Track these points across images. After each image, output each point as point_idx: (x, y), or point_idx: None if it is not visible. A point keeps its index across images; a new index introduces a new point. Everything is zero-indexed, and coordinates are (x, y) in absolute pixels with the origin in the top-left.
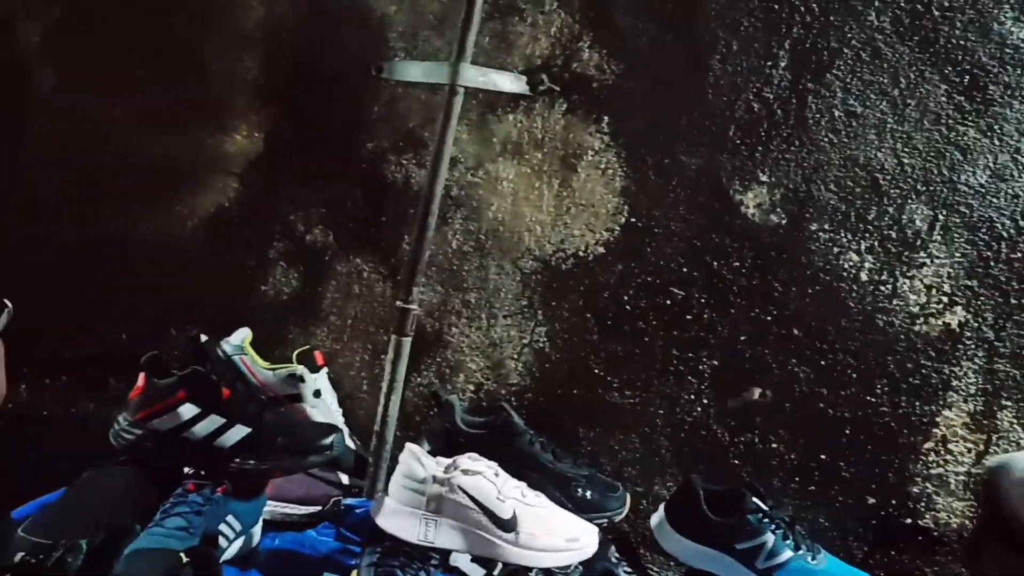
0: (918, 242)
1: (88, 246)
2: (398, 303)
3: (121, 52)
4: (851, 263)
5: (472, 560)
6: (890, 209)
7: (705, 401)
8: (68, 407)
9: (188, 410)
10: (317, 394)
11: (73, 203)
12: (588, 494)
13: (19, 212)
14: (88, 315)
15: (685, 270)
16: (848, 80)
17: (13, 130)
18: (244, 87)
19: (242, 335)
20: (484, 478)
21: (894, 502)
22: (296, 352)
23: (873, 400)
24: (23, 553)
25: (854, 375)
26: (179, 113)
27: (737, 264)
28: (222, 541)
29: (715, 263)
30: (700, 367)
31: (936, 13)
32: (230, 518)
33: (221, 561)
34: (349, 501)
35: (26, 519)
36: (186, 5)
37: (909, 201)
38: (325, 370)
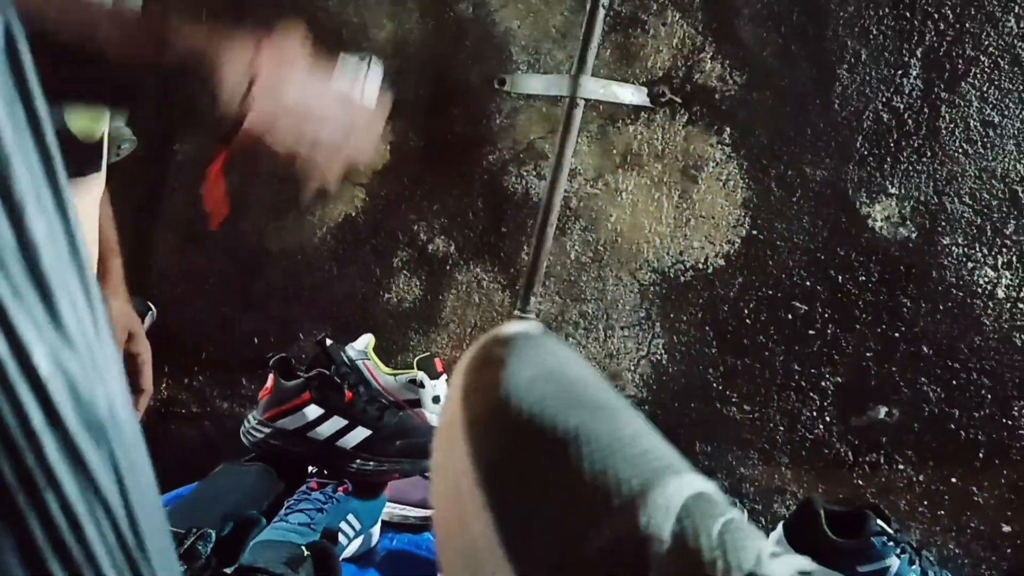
0: None
1: (226, 254)
2: (516, 312)
3: None
4: (986, 279)
5: None
6: None
7: (828, 418)
8: (205, 406)
9: (313, 411)
10: (436, 400)
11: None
12: None
13: (166, 223)
14: (225, 319)
15: (808, 284)
16: (985, 89)
17: (162, 146)
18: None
19: (366, 341)
20: None
21: None
22: (417, 358)
23: (1010, 423)
24: None
25: (989, 396)
26: None
27: (863, 278)
28: (342, 538)
29: (840, 277)
30: (823, 383)
31: None
32: (350, 517)
33: (340, 558)
34: None
35: None
36: (322, 25)
37: None
38: (445, 377)
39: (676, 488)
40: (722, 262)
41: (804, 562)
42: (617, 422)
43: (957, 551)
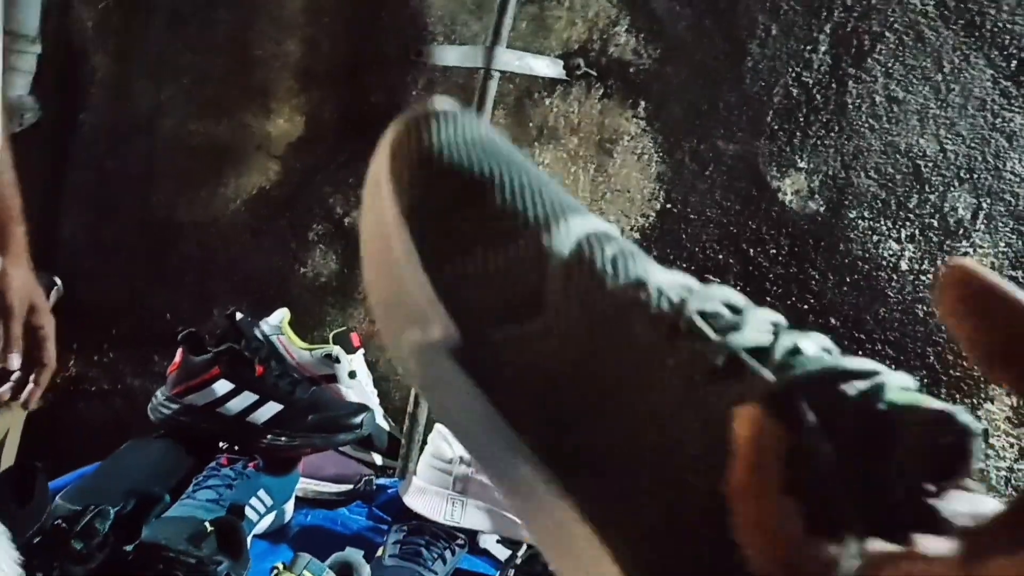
0: (961, 231)
1: (135, 227)
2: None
3: (169, 37)
4: (891, 252)
5: (498, 541)
6: (932, 197)
7: None
8: (116, 383)
9: (222, 386)
10: (352, 375)
11: (121, 185)
12: None
13: (73, 195)
14: (136, 294)
15: (720, 257)
16: (890, 65)
17: (65, 112)
18: (286, 71)
19: (280, 315)
20: None
21: None
22: (333, 333)
23: None
24: (58, 520)
25: (892, 366)
26: (224, 96)
27: (774, 252)
28: (250, 513)
29: (751, 251)
30: None
31: None
32: (261, 493)
33: (252, 535)
34: (381, 481)
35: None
36: None
37: (952, 189)
38: (361, 351)
39: (580, 223)
40: (637, 235)
41: (689, 280)
42: (533, 175)
43: None
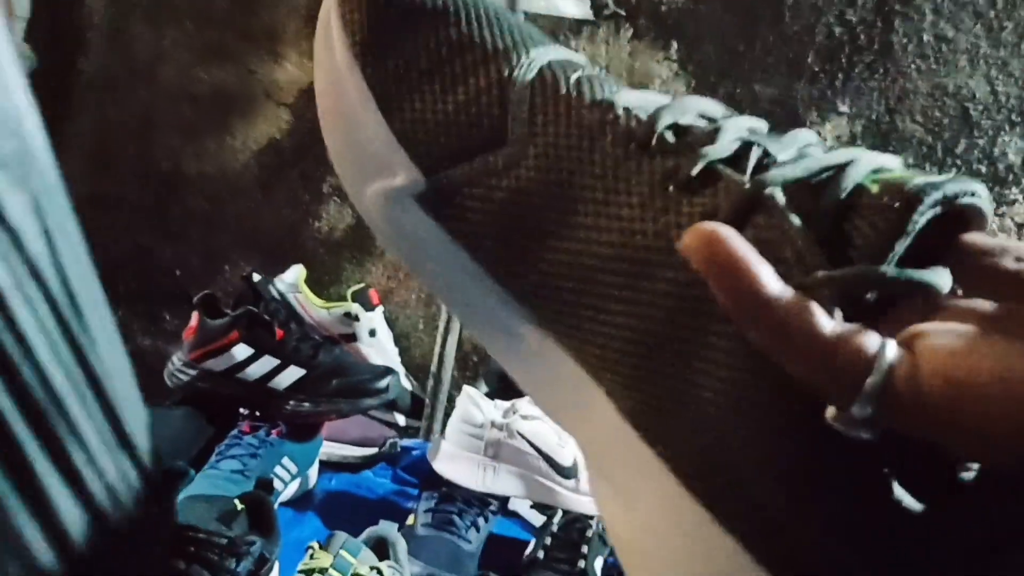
0: (1010, 177)
1: (140, 179)
2: None
3: None
4: None
5: (531, 507)
6: (981, 142)
7: None
8: (124, 342)
9: (241, 351)
10: (372, 333)
11: (124, 135)
12: None
13: (72, 146)
14: (142, 249)
15: None
16: (939, 1)
17: (65, 62)
18: (294, 13)
19: (296, 273)
20: (543, 423)
21: None
22: (351, 290)
23: None
24: None
25: None
26: (228, 41)
27: None
28: (277, 484)
29: None
30: None
31: None
32: (285, 460)
33: (277, 504)
34: (405, 442)
35: None
36: None
37: (1002, 133)
38: (381, 309)
39: (543, 52)
40: None
41: (663, 98)
42: (490, 5)
43: None
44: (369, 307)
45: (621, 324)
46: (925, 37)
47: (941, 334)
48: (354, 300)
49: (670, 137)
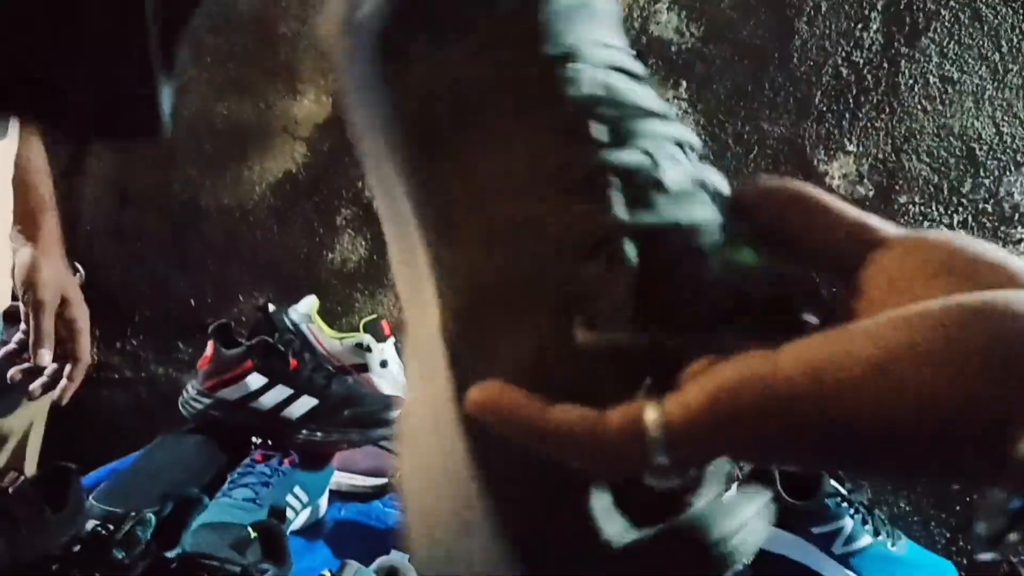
0: (1016, 217)
1: (159, 211)
2: None
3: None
4: None
5: None
6: (987, 182)
7: None
8: (139, 371)
9: (256, 380)
10: (384, 364)
11: (143, 167)
12: None
13: (92, 177)
14: (158, 280)
15: None
16: (945, 44)
17: None
18: (311, 50)
19: (310, 303)
20: None
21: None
22: (363, 321)
23: None
24: (95, 522)
25: None
26: (248, 77)
27: None
28: (289, 513)
29: None
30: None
31: None
32: (297, 489)
33: (288, 532)
34: None
35: (97, 485)
36: None
37: (1008, 174)
38: (392, 340)
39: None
40: None
41: (622, 78)
42: None
43: (908, 509)
44: (381, 338)
45: (479, 268)
46: (931, 79)
47: (699, 367)
48: (366, 331)
49: (593, 132)
